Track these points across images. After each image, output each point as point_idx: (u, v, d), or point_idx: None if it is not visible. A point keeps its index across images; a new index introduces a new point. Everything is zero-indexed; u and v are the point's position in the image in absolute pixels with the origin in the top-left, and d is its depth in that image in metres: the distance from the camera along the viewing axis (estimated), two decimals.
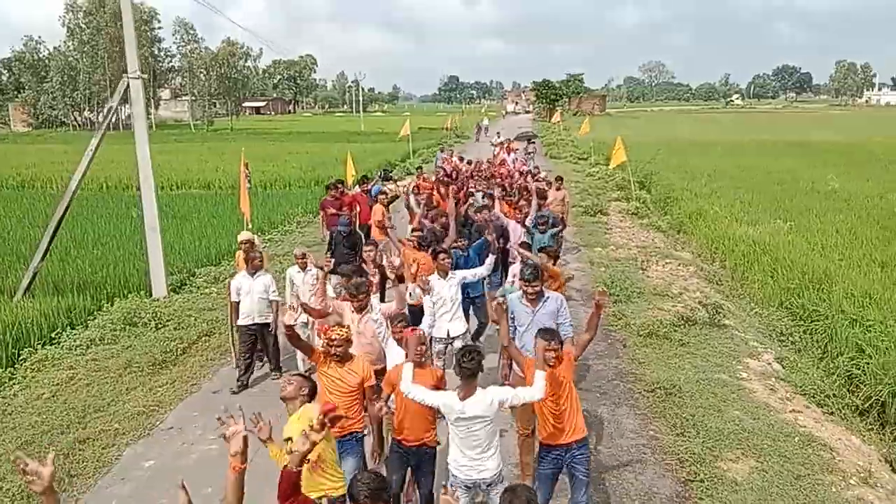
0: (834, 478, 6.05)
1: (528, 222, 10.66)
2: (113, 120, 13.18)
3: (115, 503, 5.88)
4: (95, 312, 10.78)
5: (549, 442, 5.14)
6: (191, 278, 12.93)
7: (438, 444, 5.23)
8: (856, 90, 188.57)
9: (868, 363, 8.81)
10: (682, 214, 19.88)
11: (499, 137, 30.34)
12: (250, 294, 8.05)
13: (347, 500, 3.61)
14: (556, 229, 10.69)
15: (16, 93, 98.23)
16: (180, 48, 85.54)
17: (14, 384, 8.26)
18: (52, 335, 9.79)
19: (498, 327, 5.73)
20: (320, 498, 4.45)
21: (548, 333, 5.04)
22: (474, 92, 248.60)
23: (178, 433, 7.10)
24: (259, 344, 8.34)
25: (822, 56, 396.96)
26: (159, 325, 10.04)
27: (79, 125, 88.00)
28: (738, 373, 8.28)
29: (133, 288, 11.86)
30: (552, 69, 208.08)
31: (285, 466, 3.34)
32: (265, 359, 8.62)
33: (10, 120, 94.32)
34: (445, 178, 15.15)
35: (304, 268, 8.32)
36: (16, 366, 8.84)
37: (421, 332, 5.40)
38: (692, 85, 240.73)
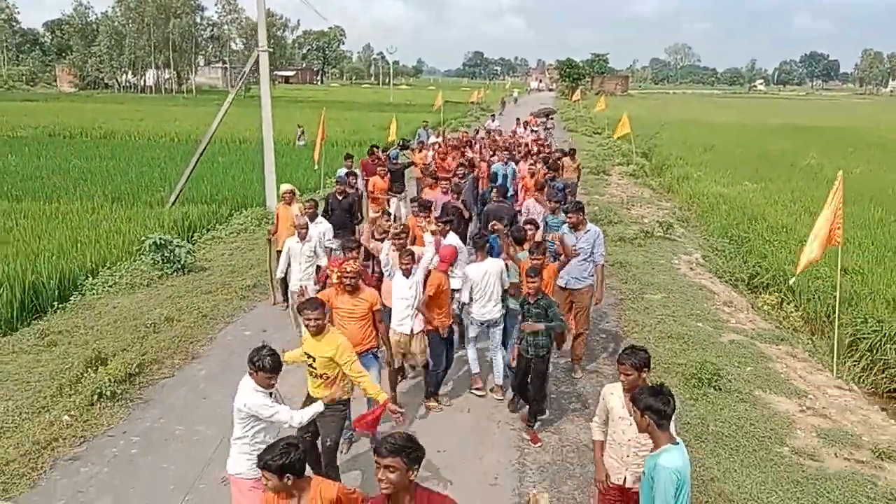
0: (708, 303, 10.38)
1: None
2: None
3: None
4: (230, 217, 15.28)
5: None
6: None
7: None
8: (881, 79, 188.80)
9: (767, 262, 13.04)
10: (672, 177, 23.89)
11: (494, 121, 30.34)
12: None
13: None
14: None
15: (59, 55, 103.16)
16: (222, 17, 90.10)
17: (200, 249, 12.76)
18: (208, 227, 14.30)
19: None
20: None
21: (535, 245, 6.84)
22: (498, 68, 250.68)
23: None
24: None
25: (851, 44, 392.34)
26: None
27: (121, 87, 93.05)
28: (671, 260, 12.58)
29: (249, 203, 16.37)
30: (577, 49, 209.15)
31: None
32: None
33: (56, 80, 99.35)
34: (462, 143, 17.36)
35: (302, 238, 8.30)
36: (193, 241, 13.34)
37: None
38: (718, 69, 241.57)
